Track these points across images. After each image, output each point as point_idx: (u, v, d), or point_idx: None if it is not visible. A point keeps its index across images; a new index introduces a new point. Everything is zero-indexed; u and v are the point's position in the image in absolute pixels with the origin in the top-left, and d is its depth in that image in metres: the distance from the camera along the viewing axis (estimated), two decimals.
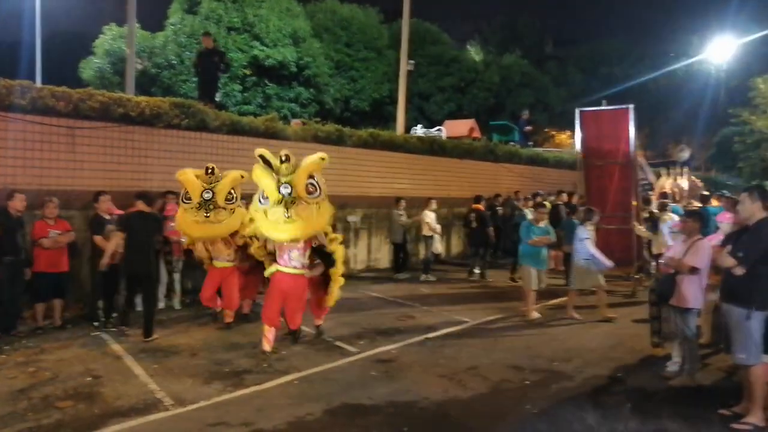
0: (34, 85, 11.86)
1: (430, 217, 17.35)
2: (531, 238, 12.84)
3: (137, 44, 25.68)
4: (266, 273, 9.91)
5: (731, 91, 41.21)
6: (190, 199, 10.72)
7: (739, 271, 7.02)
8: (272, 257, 9.93)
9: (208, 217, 10.58)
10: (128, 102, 13.01)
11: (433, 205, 17.55)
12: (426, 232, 17.44)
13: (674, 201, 19.45)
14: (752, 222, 7.22)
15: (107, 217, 11.24)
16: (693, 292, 8.37)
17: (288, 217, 8.93)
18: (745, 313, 6.98)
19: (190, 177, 10.80)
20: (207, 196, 10.62)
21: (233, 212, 10.97)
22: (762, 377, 7.07)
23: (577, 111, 15.95)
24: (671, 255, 8.76)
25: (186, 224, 10.78)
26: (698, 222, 8.87)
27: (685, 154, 33.47)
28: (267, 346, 9.63)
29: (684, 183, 22.93)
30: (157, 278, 11.86)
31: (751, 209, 7.23)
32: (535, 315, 12.77)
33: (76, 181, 12.09)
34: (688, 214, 9.54)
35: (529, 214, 17.80)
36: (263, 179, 9.20)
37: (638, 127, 15.51)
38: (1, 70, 12.47)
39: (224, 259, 11.37)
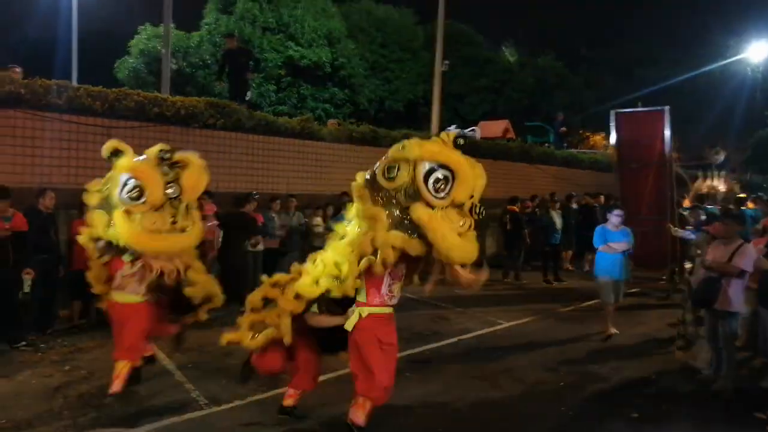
0: (71, 85, 11.98)
1: None
2: (604, 244, 11.36)
3: (173, 44, 25.93)
4: (349, 324, 6.35)
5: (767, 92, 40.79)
6: (138, 197, 7.13)
7: None
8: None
9: (174, 223, 7.41)
10: (164, 102, 13.08)
11: None
12: None
13: (711, 203, 19.23)
14: None
15: None
16: (738, 296, 8.26)
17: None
18: None
19: (140, 166, 7.48)
20: (172, 192, 7.34)
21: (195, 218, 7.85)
22: None
23: (612, 113, 15.79)
24: (713, 258, 8.63)
25: (135, 234, 7.09)
26: (738, 224, 8.77)
27: (720, 157, 33.11)
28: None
29: (721, 185, 22.63)
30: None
31: None
32: (613, 331, 11.47)
33: None
34: (728, 216, 9.41)
35: (556, 216, 17.72)
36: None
37: (673, 130, 15.31)
38: (37, 69, 12.55)
39: (133, 291, 7.60)
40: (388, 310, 6.44)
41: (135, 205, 7.13)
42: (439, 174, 5.76)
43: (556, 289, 15.20)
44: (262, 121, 14.87)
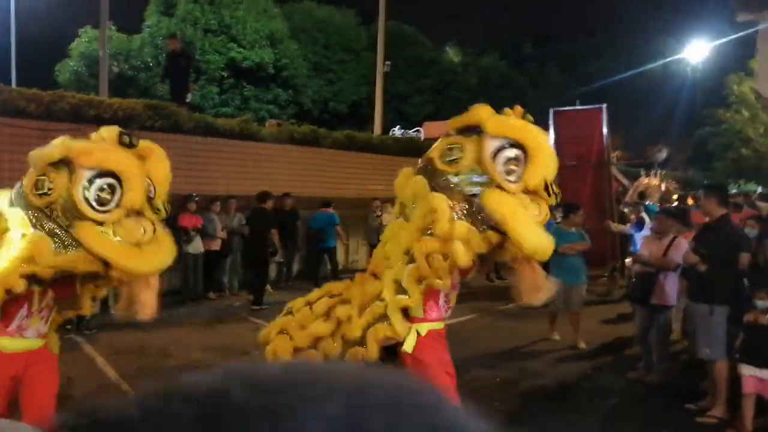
0: (5, 87, 11.83)
1: (386, 218, 17.29)
2: (559, 245, 9.76)
3: (114, 47, 25.74)
4: (408, 345, 5.17)
5: (707, 92, 41.54)
6: (108, 200, 4.57)
7: (702, 268, 7.13)
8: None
9: (155, 233, 4.98)
10: (100, 104, 13.02)
11: (390, 207, 17.48)
12: None
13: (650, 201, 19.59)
14: (713, 219, 7.36)
15: None
16: (673, 290, 8.45)
17: None
18: (708, 309, 7.10)
19: (113, 156, 4.68)
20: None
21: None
22: (725, 372, 7.18)
23: (551, 111, 16.01)
24: (648, 253, 8.82)
25: (114, 248, 4.53)
26: (674, 220, 9.01)
27: (663, 155, 33.72)
28: None
29: (657, 184, 23.07)
30: None
31: (711, 207, 7.38)
32: (556, 337, 10.97)
33: None
34: (664, 213, 9.64)
35: None
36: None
37: (615, 128, 15.58)
38: None
39: (34, 333, 4.93)
40: (443, 324, 5.42)
41: (108, 211, 4.54)
42: (510, 152, 4.73)
43: (498, 287, 15.33)
44: (201, 122, 14.86)
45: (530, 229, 4.59)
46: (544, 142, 4.94)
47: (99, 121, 12.53)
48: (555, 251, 8.79)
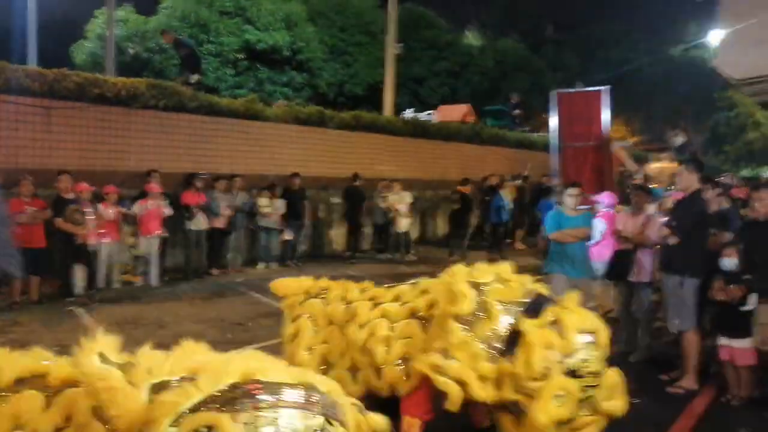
0: (8, 65, 12.06)
1: (392, 198, 17.44)
2: (558, 230, 8.98)
3: (129, 29, 26.00)
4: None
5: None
6: None
7: (673, 240, 7.28)
8: None
9: None
10: (104, 83, 13.26)
11: (396, 187, 17.62)
12: (392, 212, 17.58)
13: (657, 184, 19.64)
14: (687, 193, 7.49)
15: (69, 196, 11.44)
16: (650, 266, 8.54)
17: None
18: (679, 280, 7.25)
19: None
20: None
21: None
22: (694, 342, 7.32)
23: (552, 93, 16.08)
24: (627, 230, 8.91)
25: None
26: (648, 195, 9.15)
27: (680, 139, 33.49)
28: None
29: (669, 166, 23.09)
30: None
31: (689, 180, 7.49)
32: None
33: (52, 160, 12.32)
34: (637, 188, 9.76)
35: (506, 196, 18.10)
36: None
37: (633, 112, 15.59)
38: None
39: None
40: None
41: None
42: None
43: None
44: (204, 102, 15.06)
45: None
46: None
47: (103, 100, 12.85)
48: (552, 239, 8.97)
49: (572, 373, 4.36)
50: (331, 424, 2.29)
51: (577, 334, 4.45)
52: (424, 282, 5.57)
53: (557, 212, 9.14)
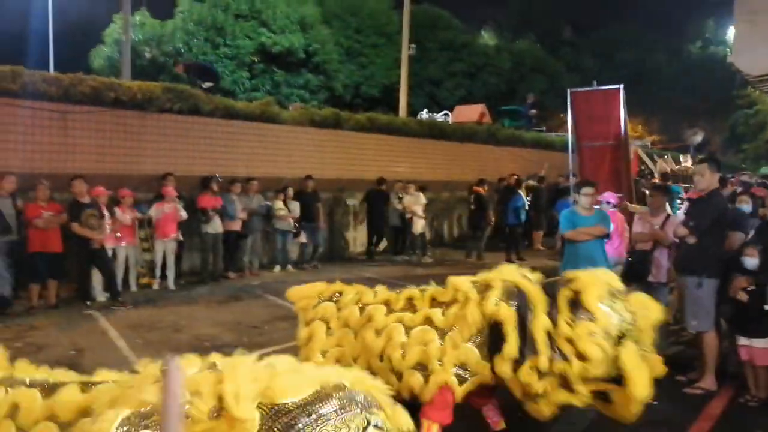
0: (25, 70, 12.12)
1: (408, 200, 17.42)
2: (573, 229, 8.71)
3: (146, 33, 26.14)
4: None
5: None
6: None
7: (691, 240, 7.21)
8: None
9: None
10: (120, 86, 13.30)
11: (411, 189, 17.59)
12: (408, 213, 17.55)
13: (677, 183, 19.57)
14: (706, 192, 7.41)
15: (85, 201, 11.43)
16: (667, 267, 8.46)
17: None
18: (696, 281, 7.17)
19: None
20: None
21: None
22: (713, 344, 7.24)
23: (568, 91, 15.97)
24: (645, 230, 8.83)
25: None
26: (666, 196, 9.07)
27: (698, 138, 33.36)
28: None
29: (689, 164, 23.04)
30: None
31: (710, 180, 7.42)
32: None
33: (68, 164, 12.35)
34: (656, 189, 9.68)
35: (522, 196, 18.05)
36: None
37: (651, 111, 15.47)
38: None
39: None
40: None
41: None
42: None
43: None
44: (220, 105, 15.09)
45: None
46: None
47: (118, 105, 12.89)
48: (567, 239, 8.81)
49: (621, 338, 4.54)
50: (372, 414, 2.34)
51: (600, 305, 4.56)
52: (432, 289, 5.54)
53: (571, 212, 8.99)
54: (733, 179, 16.38)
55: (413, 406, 5.34)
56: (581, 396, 4.68)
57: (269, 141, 16.13)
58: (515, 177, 19.31)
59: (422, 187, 17.86)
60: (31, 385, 2.98)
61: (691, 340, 8.19)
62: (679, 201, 14.92)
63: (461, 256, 17.90)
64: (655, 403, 6.91)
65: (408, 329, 5.28)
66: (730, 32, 37.93)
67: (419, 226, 17.47)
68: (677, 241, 8.11)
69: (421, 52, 30.44)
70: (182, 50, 26.99)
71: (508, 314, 4.82)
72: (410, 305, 5.49)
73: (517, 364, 4.73)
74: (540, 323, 4.70)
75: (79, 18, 30.38)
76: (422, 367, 5.08)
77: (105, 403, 2.53)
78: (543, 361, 4.63)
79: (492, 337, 4.91)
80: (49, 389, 2.91)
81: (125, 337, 9.39)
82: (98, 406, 2.55)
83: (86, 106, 12.66)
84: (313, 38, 29.66)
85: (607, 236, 8.85)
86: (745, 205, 9.26)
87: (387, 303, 5.65)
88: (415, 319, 5.33)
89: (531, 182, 20.55)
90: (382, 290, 5.89)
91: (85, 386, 2.87)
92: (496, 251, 18.13)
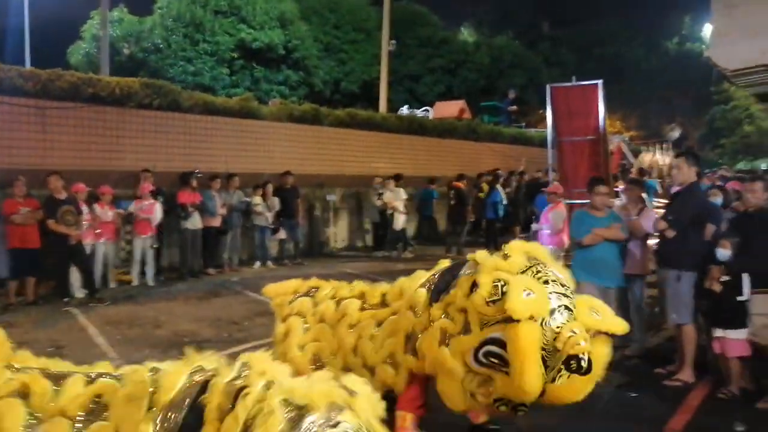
0: (2, 65, 12.03)
1: (388, 196, 17.44)
2: (587, 233, 7.97)
3: (124, 29, 25.98)
4: None
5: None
6: None
7: (670, 233, 7.25)
8: None
9: None
10: (98, 82, 13.23)
11: (392, 184, 17.61)
12: (389, 209, 17.56)
13: (652, 177, 19.71)
14: (685, 186, 7.48)
15: (62, 197, 11.34)
16: (644, 259, 8.52)
17: None
18: (676, 274, 7.23)
19: None
20: None
21: None
22: (691, 336, 7.29)
23: (547, 87, 16.02)
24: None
25: None
26: (641, 189, 9.15)
27: (676, 134, 33.57)
28: None
29: (665, 159, 23.19)
30: None
31: (688, 174, 7.47)
32: None
33: (47, 160, 12.29)
34: (632, 182, 9.77)
35: (502, 192, 18.09)
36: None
37: (630, 107, 15.53)
38: None
39: None
40: None
41: None
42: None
43: None
44: (199, 101, 15.03)
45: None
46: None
47: (97, 100, 12.82)
48: (579, 243, 8.15)
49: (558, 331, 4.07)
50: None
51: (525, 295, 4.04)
52: (402, 280, 5.51)
53: (583, 213, 8.29)
54: (708, 174, 16.51)
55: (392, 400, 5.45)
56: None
57: (248, 137, 16.10)
58: (497, 171, 19.42)
59: (398, 175, 17.87)
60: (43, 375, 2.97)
61: (672, 334, 8.26)
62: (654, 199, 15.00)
63: (441, 252, 17.94)
64: (635, 395, 7.04)
65: (379, 323, 5.29)
66: (707, 29, 38.27)
67: (400, 221, 17.48)
68: (653, 233, 8.19)
69: (400, 48, 30.47)
70: (161, 46, 26.81)
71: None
72: (383, 300, 5.48)
73: None
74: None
75: (56, 14, 30.22)
76: (392, 358, 5.07)
77: (120, 399, 2.57)
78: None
79: None
80: (54, 378, 2.91)
81: (105, 334, 9.36)
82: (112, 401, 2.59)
83: (64, 102, 12.58)
84: (293, 34, 29.54)
85: (626, 241, 8.09)
86: (717, 199, 9.37)
87: (362, 296, 5.65)
88: (385, 313, 5.34)
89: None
90: (358, 284, 5.87)
91: (89, 378, 2.87)
92: (476, 246, 18.16)
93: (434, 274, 5.12)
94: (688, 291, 7.21)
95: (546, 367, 3.95)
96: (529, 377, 3.85)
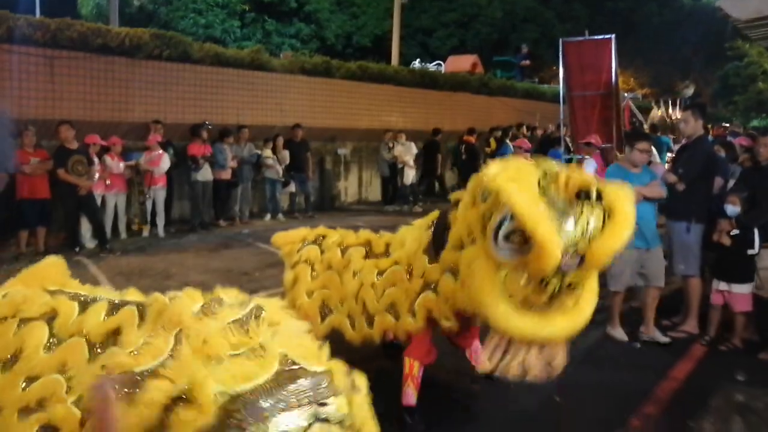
0: (10, 14, 11.92)
1: (399, 149, 17.39)
2: None
3: None
4: None
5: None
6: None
7: (680, 186, 7.22)
8: None
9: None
10: (108, 32, 13.11)
11: (402, 137, 17.55)
12: (399, 163, 17.53)
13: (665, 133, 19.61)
14: (692, 139, 7.45)
15: (72, 147, 11.36)
16: None
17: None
18: (685, 226, 7.23)
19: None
20: None
21: None
22: (697, 288, 7.35)
23: (560, 41, 15.88)
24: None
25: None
26: (651, 144, 9.07)
27: (689, 91, 33.28)
28: None
29: (677, 115, 23.06)
30: None
31: (695, 126, 7.46)
32: (622, 337, 7.30)
33: (56, 111, 12.24)
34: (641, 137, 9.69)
35: (511, 147, 17.99)
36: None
37: (642, 63, 15.39)
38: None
39: None
40: None
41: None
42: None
43: None
44: (210, 52, 14.90)
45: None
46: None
47: (106, 50, 12.75)
48: None
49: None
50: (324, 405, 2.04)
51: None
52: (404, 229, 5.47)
53: (618, 168, 7.48)
54: (713, 130, 16.45)
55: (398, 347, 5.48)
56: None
57: (259, 89, 16.00)
58: (502, 127, 19.34)
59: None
60: (73, 298, 3.01)
61: (677, 286, 8.27)
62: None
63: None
64: (639, 345, 7.08)
65: (381, 272, 5.26)
66: None
67: (410, 176, 17.45)
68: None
69: (413, 1, 30.22)
70: None
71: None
72: (387, 250, 5.45)
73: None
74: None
75: None
76: (392, 307, 5.07)
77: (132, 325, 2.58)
78: None
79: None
80: (84, 303, 2.94)
81: (115, 284, 9.35)
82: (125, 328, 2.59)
83: (74, 52, 12.51)
84: None
85: (664, 199, 7.36)
86: (721, 153, 9.33)
87: (368, 244, 5.62)
88: (387, 262, 5.31)
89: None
90: (364, 232, 5.86)
91: (115, 306, 2.86)
92: None
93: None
94: (697, 242, 7.24)
95: (563, 214, 3.65)
96: (543, 229, 3.52)
